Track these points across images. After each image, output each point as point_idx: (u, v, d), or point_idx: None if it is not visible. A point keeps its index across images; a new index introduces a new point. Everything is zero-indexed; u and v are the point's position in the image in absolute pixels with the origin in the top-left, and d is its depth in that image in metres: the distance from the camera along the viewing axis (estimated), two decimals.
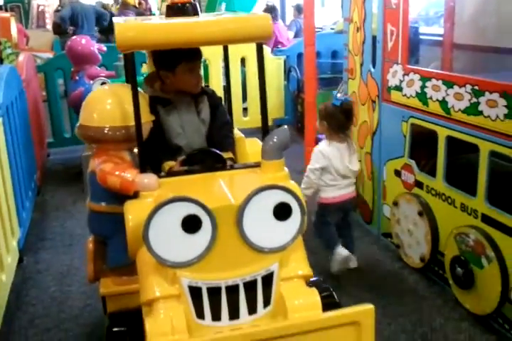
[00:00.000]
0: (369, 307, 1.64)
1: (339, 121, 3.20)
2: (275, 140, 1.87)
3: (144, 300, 1.66)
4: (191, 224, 1.61)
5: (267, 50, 6.27)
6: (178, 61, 2.23)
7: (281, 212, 1.68)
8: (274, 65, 6.26)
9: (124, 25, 1.85)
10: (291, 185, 1.81)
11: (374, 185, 3.65)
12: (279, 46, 6.67)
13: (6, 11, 11.88)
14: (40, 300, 3.02)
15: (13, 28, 8.26)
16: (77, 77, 4.81)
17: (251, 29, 1.91)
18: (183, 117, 2.34)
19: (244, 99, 6.18)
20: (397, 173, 3.34)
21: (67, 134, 5.73)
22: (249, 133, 2.65)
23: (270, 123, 6.26)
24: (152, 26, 1.88)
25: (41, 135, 5.33)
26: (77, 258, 3.40)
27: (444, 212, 2.94)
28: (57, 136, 5.72)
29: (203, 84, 2.51)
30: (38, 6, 12.79)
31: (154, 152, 2.18)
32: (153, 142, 2.13)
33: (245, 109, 6.21)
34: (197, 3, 2.12)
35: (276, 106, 6.33)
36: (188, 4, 2.04)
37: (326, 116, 3.28)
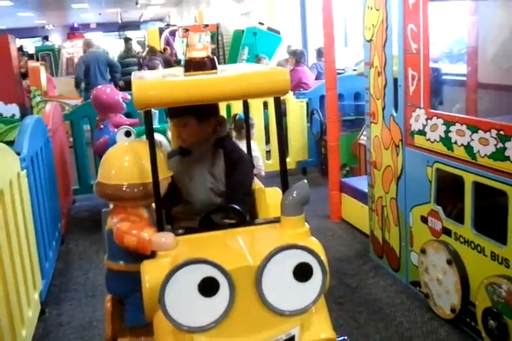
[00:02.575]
0: None
1: None
2: (295, 195, 1.83)
3: None
4: (208, 287, 1.56)
5: (289, 93, 6.30)
6: (169, 116, 2.33)
7: (302, 272, 1.63)
8: (297, 107, 6.28)
9: (142, 84, 1.85)
10: (313, 242, 1.76)
11: (400, 232, 3.55)
12: (302, 89, 6.70)
13: (37, 59, 12.30)
14: None
15: (43, 76, 8.53)
16: (102, 126, 4.87)
17: (269, 84, 1.89)
18: (193, 168, 2.34)
19: (268, 141, 6.18)
20: (424, 220, 3.25)
21: (93, 181, 5.76)
22: (272, 176, 2.61)
23: (294, 165, 6.30)
24: (169, 84, 1.88)
25: (67, 182, 5.37)
26: (99, 310, 3.34)
27: (473, 260, 2.82)
28: (82, 182, 5.76)
29: (223, 136, 2.48)
30: (68, 53, 13.24)
31: (170, 206, 2.17)
32: (168, 196, 2.12)
33: (268, 152, 6.19)
34: (215, 58, 2.13)
35: (299, 149, 6.33)
36: (206, 59, 2.05)
37: None
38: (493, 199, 2.79)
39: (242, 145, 4.49)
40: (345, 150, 5.42)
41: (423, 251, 3.22)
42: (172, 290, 1.55)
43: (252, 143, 4.55)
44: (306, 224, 1.88)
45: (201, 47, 2.04)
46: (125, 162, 2.06)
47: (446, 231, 3.04)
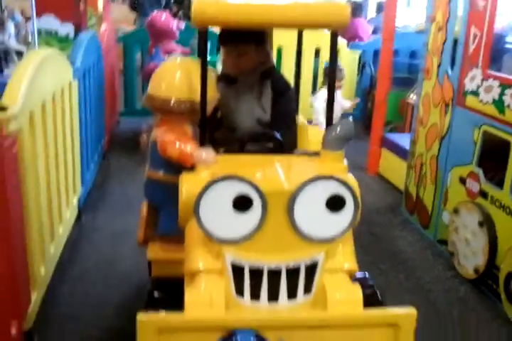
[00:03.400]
0: (412, 311, 1.58)
1: None
2: (338, 131, 1.82)
3: (187, 271, 1.66)
4: (242, 204, 1.59)
5: (343, 42, 6.15)
6: (221, 43, 2.30)
7: (335, 203, 1.64)
8: (350, 58, 6.14)
9: (202, 1, 1.83)
10: (349, 177, 1.75)
11: (436, 190, 3.51)
12: (357, 40, 6.54)
13: None
14: (92, 257, 3.12)
15: (100, 0, 8.47)
16: (153, 52, 4.88)
17: (328, 15, 1.85)
18: (240, 97, 2.33)
19: (314, 90, 6.10)
20: (462, 180, 3.21)
21: (139, 106, 5.84)
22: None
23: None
24: (229, 5, 1.86)
25: (114, 103, 5.45)
26: (133, 222, 3.36)
27: (506, 224, 2.79)
28: (128, 105, 5.84)
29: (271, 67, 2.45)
30: None
31: (212, 129, 2.19)
32: (212, 119, 2.14)
33: None
34: None
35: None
36: None
37: None
38: None
39: (324, 92, 4.47)
40: (392, 107, 5.32)
41: (456, 211, 3.20)
42: (208, 202, 1.58)
43: (337, 93, 4.52)
44: (345, 160, 1.87)
45: None
46: (176, 77, 2.07)
47: (483, 194, 3.00)
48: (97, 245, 3.26)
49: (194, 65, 2.05)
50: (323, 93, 4.55)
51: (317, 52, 5.97)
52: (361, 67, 6.15)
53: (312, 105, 4.70)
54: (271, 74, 2.40)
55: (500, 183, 2.88)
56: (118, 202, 3.90)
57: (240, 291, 1.63)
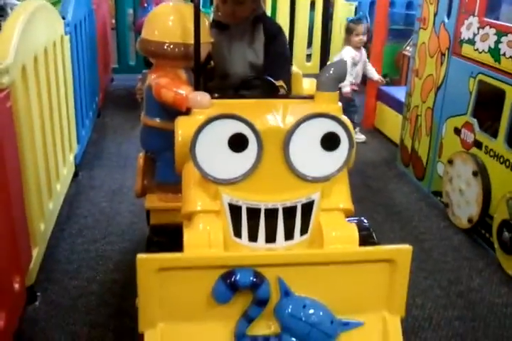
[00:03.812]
0: (407, 247, 1.60)
1: None
2: (331, 72, 1.82)
3: (185, 213, 1.68)
4: (238, 143, 1.60)
5: None
6: None
7: (329, 142, 1.64)
8: (345, 10, 6.06)
9: None
10: (343, 117, 1.77)
11: (431, 142, 3.55)
12: None
13: None
14: (91, 213, 3.15)
15: None
16: (145, 4, 4.82)
17: None
18: (232, 43, 2.35)
19: (310, 45, 6.04)
20: (457, 131, 3.23)
21: (132, 62, 5.79)
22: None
23: None
24: None
25: (107, 59, 5.39)
26: (130, 178, 3.45)
27: (499, 174, 2.83)
28: (122, 62, 5.79)
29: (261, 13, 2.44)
30: None
31: (205, 77, 2.19)
32: (205, 67, 2.15)
33: (309, 56, 6.08)
34: None
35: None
36: None
37: None
38: None
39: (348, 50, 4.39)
40: (388, 60, 5.30)
41: (450, 162, 3.23)
42: (203, 142, 1.59)
43: (363, 51, 4.42)
44: (339, 102, 1.88)
45: None
46: (169, 21, 2.06)
47: (477, 144, 3.03)
48: (95, 202, 3.29)
49: (187, 8, 2.04)
50: (347, 51, 4.43)
51: (312, 5, 5.88)
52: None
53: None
54: (262, 19, 2.41)
55: (494, 133, 2.90)
56: (114, 159, 3.92)
57: (237, 233, 1.66)
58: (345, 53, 4.42)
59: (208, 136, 1.59)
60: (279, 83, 2.21)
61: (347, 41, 4.48)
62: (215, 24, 2.37)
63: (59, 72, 3.03)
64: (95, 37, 4.56)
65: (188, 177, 1.72)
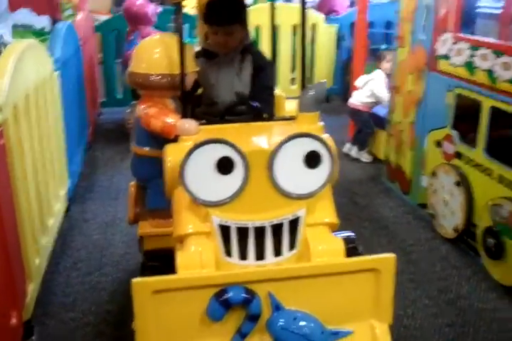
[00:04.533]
0: (390, 255, 1.69)
1: None
2: (312, 92, 1.93)
3: (176, 236, 1.77)
4: (225, 166, 1.70)
5: (320, 17, 6.24)
6: (208, 23, 2.39)
7: (312, 159, 1.75)
8: (327, 32, 6.22)
9: None
10: (325, 136, 1.87)
11: (414, 156, 3.66)
12: (334, 14, 6.62)
13: None
14: (84, 246, 3.20)
15: None
16: (131, 37, 4.94)
17: None
18: (221, 71, 2.44)
19: (294, 69, 6.19)
20: (438, 144, 3.35)
21: (120, 95, 5.91)
22: None
23: None
24: None
25: (94, 93, 5.51)
26: (122, 210, 3.53)
27: (481, 183, 2.95)
28: (109, 96, 5.90)
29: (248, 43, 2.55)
30: None
31: (193, 104, 2.30)
32: (193, 95, 2.25)
33: (293, 79, 6.22)
34: None
35: (325, 75, 6.25)
36: None
37: None
38: (507, 127, 2.89)
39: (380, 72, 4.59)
40: None
41: (434, 174, 3.34)
42: (191, 167, 1.69)
43: (382, 74, 4.56)
44: (321, 122, 1.99)
45: None
46: (155, 53, 2.17)
47: (458, 155, 3.15)
48: (88, 235, 3.34)
49: (172, 40, 2.13)
50: (380, 74, 4.60)
51: (295, 30, 6.04)
52: (339, 40, 6.24)
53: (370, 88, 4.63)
54: (251, 50, 2.51)
55: (473, 143, 3.02)
56: (105, 192, 3.98)
57: (228, 252, 1.75)
58: (376, 75, 4.61)
59: (196, 161, 1.69)
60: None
61: (378, 66, 4.68)
62: (204, 52, 2.47)
63: (49, 109, 3.12)
64: (83, 72, 4.68)
65: (178, 202, 1.82)
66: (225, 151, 1.70)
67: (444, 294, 2.72)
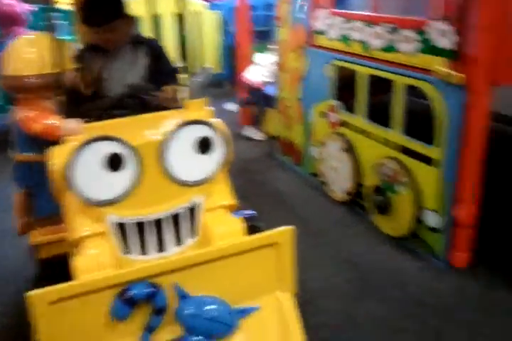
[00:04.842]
0: (288, 228, 1.64)
1: None
2: (198, 79, 1.85)
3: (71, 241, 1.63)
4: (115, 163, 1.57)
5: (203, 4, 6.11)
6: (88, 24, 2.18)
7: (204, 145, 1.66)
8: (211, 19, 6.10)
9: None
10: (215, 121, 1.78)
11: (304, 129, 3.67)
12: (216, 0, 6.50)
13: None
14: None
15: None
16: (3, 39, 4.58)
17: None
18: (113, 66, 2.26)
19: (184, 58, 6.04)
20: (324, 115, 3.38)
21: None
22: None
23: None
24: None
25: None
26: (8, 220, 3.04)
27: (366, 146, 2.99)
28: None
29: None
30: None
31: (82, 99, 2.13)
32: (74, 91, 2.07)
33: (182, 68, 6.07)
34: None
35: (213, 61, 6.09)
36: None
37: None
38: (383, 92, 2.93)
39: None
40: None
41: (322, 143, 3.37)
42: (79, 167, 1.55)
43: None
44: (210, 107, 1.89)
45: None
46: (27, 53, 1.99)
47: (343, 123, 3.19)
48: None
49: (45, 38, 1.95)
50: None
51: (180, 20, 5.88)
52: (224, 26, 6.15)
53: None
54: (141, 39, 2.35)
55: (355, 110, 3.06)
56: None
57: (127, 249, 1.63)
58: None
59: (83, 161, 1.55)
60: (173, 87, 2.14)
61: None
62: (92, 47, 2.25)
63: None
64: None
65: (68, 206, 1.66)
66: (113, 147, 1.57)
67: (343, 252, 2.76)
